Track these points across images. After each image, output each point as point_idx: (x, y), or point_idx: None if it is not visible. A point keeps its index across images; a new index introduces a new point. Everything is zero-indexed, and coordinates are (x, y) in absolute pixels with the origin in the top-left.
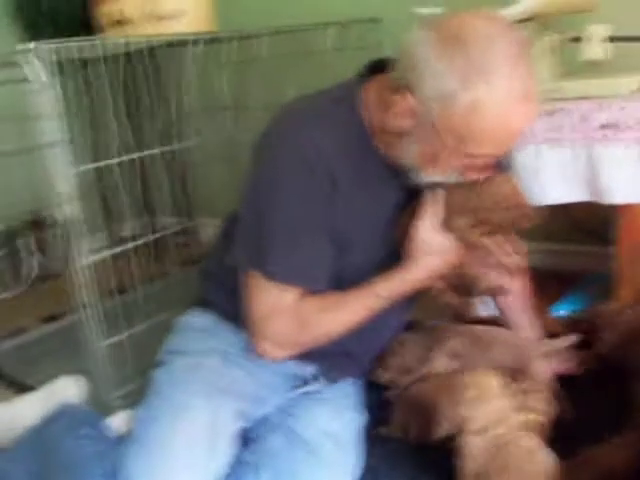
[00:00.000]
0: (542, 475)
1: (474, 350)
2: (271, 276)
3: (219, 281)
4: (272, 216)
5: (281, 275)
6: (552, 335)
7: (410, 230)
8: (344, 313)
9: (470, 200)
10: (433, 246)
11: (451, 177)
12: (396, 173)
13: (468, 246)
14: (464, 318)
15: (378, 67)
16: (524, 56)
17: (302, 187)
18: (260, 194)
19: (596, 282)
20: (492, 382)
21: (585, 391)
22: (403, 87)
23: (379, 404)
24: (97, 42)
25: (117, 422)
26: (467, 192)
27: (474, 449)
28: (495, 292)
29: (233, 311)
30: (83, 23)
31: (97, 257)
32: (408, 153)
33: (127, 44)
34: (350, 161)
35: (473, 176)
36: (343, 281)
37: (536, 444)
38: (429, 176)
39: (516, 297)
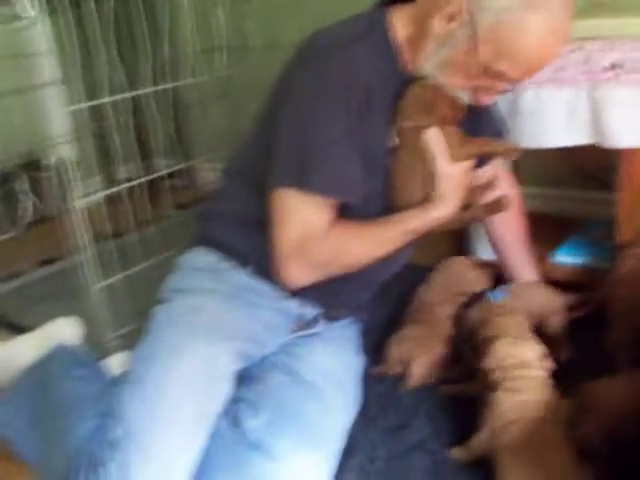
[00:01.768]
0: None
1: None
2: (310, 188)
3: (225, 218)
4: (313, 131)
5: (323, 186)
6: (551, 281)
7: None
8: (375, 243)
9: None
10: (456, 177)
11: (463, 96)
12: None
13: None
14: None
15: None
16: (572, 2)
17: (344, 107)
18: (303, 110)
19: (597, 228)
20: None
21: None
22: None
23: (374, 347)
24: None
25: (113, 363)
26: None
27: (503, 408)
28: (498, 206)
29: (239, 248)
30: None
31: (91, 199)
32: (435, 57)
33: None
34: (383, 83)
35: (483, 100)
36: (366, 207)
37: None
38: (445, 86)
39: (515, 235)
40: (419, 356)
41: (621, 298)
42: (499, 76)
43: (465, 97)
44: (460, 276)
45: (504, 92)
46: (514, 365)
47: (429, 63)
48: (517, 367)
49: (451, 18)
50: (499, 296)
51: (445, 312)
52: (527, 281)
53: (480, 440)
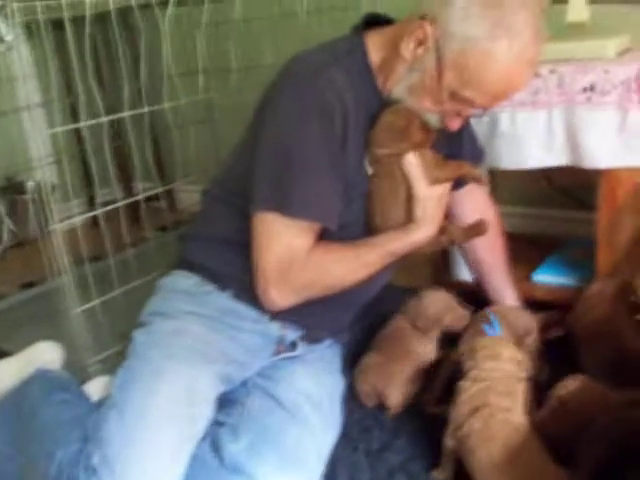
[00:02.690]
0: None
1: None
2: (292, 212)
3: (206, 241)
4: (294, 155)
5: (303, 210)
6: (532, 301)
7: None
8: (356, 266)
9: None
10: (434, 199)
11: (432, 119)
12: None
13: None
14: (445, 283)
15: (371, 23)
16: (542, 29)
17: (324, 129)
18: (284, 135)
19: (577, 247)
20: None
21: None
22: (426, 18)
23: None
24: (63, 2)
25: (94, 388)
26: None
27: (465, 396)
28: (477, 231)
29: (220, 271)
30: None
31: (71, 222)
32: (405, 81)
33: (94, 5)
34: (361, 109)
35: (452, 124)
36: (344, 231)
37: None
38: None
39: (494, 257)
40: (389, 387)
41: (587, 322)
42: (466, 102)
43: (434, 120)
44: (438, 311)
45: (474, 117)
46: (485, 356)
47: (399, 87)
48: (488, 359)
49: (419, 43)
50: (496, 328)
51: (418, 346)
52: (504, 304)
53: (447, 442)
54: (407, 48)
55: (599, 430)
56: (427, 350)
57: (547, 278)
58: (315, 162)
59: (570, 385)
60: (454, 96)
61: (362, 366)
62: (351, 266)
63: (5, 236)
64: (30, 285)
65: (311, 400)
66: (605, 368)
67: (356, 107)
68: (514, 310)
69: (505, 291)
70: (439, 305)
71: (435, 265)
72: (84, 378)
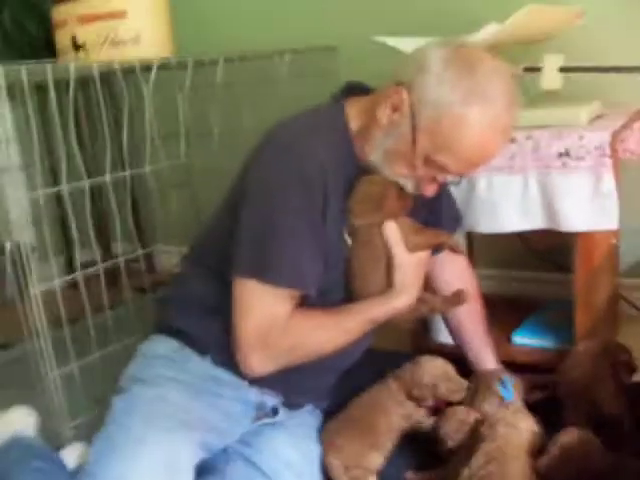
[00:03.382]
0: None
1: None
2: (271, 279)
3: (185, 305)
4: (276, 225)
5: (282, 278)
6: (511, 363)
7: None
8: (336, 332)
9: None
10: (413, 266)
11: (407, 184)
12: None
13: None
14: (425, 347)
15: (351, 90)
16: (516, 101)
17: (305, 198)
18: (265, 203)
19: (554, 309)
20: None
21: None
22: (401, 84)
23: None
24: (47, 66)
25: (70, 454)
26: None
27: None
28: (457, 300)
29: (199, 335)
30: (49, 48)
31: (49, 285)
32: (381, 146)
33: (78, 69)
34: (341, 177)
35: (427, 190)
36: (325, 297)
37: None
38: (389, 175)
39: (473, 321)
40: (362, 466)
41: (573, 383)
42: (440, 167)
43: (410, 186)
44: (434, 380)
45: (449, 183)
46: (499, 422)
47: (375, 152)
48: (502, 425)
49: (395, 108)
50: (510, 391)
51: (393, 420)
52: (489, 369)
53: None
54: (384, 113)
55: None
56: (410, 419)
57: (526, 340)
58: (295, 230)
59: (571, 434)
60: (428, 161)
61: (335, 444)
62: (331, 333)
63: None
64: (4, 348)
65: (292, 468)
66: (587, 428)
67: (336, 176)
68: (503, 373)
69: (485, 354)
70: (436, 373)
71: (415, 328)
72: (59, 444)
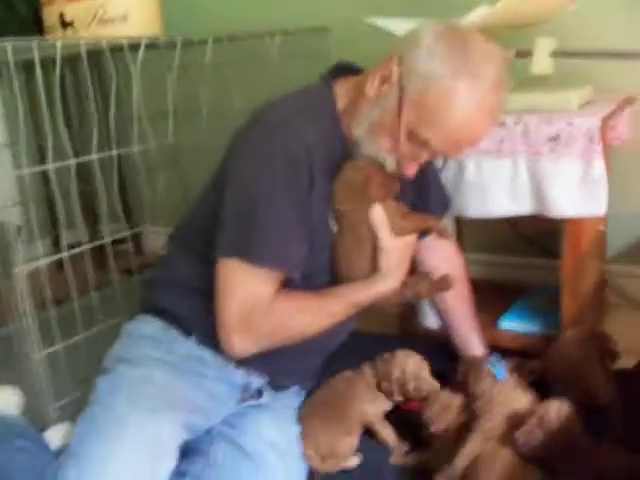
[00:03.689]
0: None
1: None
2: (254, 260)
3: (171, 286)
4: (260, 205)
5: (265, 258)
6: (497, 348)
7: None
8: (320, 316)
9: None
10: (399, 250)
11: (389, 161)
12: None
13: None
14: (412, 331)
15: (340, 71)
16: (506, 84)
17: (290, 179)
18: (249, 186)
19: (541, 294)
20: None
21: None
22: (394, 57)
23: None
24: (32, 44)
25: (54, 435)
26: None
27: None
28: (443, 285)
29: (185, 316)
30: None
31: (34, 265)
32: (366, 119)
33: (65, 46)
34: (328, 159)
35: (408, 169)
36: (310, 280)
37: None
38: (372, 150)
39: (461, 305)
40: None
41: (562, 370)
42: (423, 144)
43: (391, 163)
44: (404, 378)
45: (433, 163)
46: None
47: (361, 125)
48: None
49: (384, 80)
50: (501, 370)
51: (365, 407)
52: (475, 355)
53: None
54: (372, 86)
55: None
56: (373, 412)
57: (513, 325)
58: (280, 211)
59: (552, 405)
60: (412, 136)
61: (307, 431)
62: (314, 316)
63: None
64: None
65: (276, 449)
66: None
67: (322, 157)
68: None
69: (471, 339)
70: (407, 370)
71: (403, 312)
72: (44, 424)
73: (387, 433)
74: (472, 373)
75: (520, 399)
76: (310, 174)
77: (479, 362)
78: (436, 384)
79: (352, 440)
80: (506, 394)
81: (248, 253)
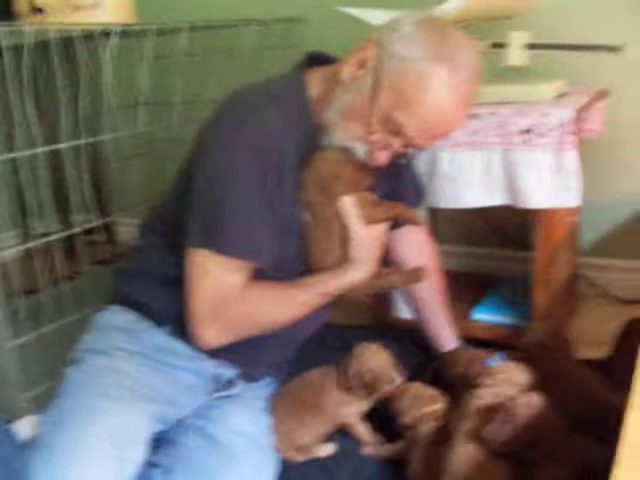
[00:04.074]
0: None
1: None
2: (223, 250)
3: (142, 276)
4: (228, 195)
5: (232, 248)
6: (470, 339)
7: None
8: (291, 306)
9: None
10: (370, 240)
11: (359, 149)
12: None
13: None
14: (385, 320)
15: (314, 60)
16: (480, 73)
17: (258, 168)
18: (216, 175)
19: (514, 285)
20: None
21: None
22: (372, 41)
23: None
24: (1, 29)
25: (23, 426)
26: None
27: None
28: (416, 277)
29: (156, 307)
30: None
31: (4, 254)
32: (338, 103)
33: (35, 33)
34: (297, 149)
35: (380, 157)
36: (282, 268)
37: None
38: (342, 137)
39: (434, 295)
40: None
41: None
42: (396, 131)
43: (361, 152)
44: (370, 377)
45: (407, 154)
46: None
47: (331, 109)
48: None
49: (361, 64)
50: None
51: (338, 410)
52: (456, 347)
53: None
54: (348, 70)
55: None
56: (347, 412)
57: (485, 316)
58: (248, 201)
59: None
60: (386, 121)
61: (280, 428)
62: (285, 306)
63: None
64: None
65: (247, 440)
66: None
67: (292, 146)
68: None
69: (444, 329)
70: (364, 362)
71: (376, 303)
72: (13, 415)
73: (362, 432)
74: (475, 369)
75: (525, 375)
76: (280, 163)
77: (480, 358)
78: (396, 375)
79: (325, 433)
80: (511, 371)
81: (216, 243)
